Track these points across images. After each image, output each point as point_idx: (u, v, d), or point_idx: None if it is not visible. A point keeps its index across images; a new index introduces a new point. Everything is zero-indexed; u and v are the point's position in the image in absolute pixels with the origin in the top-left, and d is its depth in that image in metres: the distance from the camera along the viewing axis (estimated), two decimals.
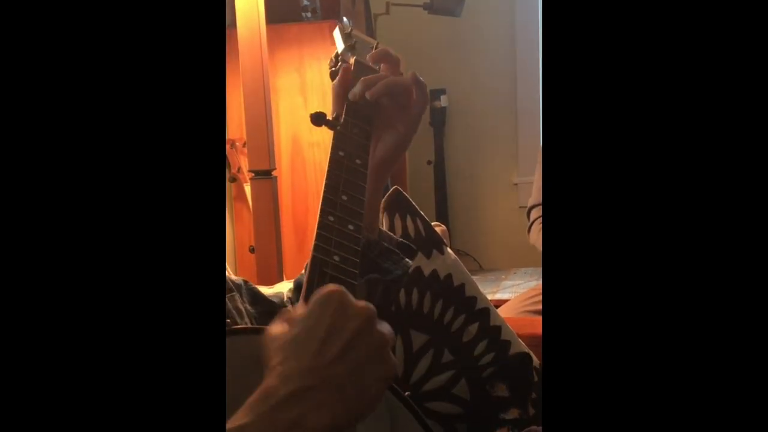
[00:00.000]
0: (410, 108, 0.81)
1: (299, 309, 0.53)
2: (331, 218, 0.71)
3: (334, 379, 0.49)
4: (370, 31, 2.57)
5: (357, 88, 0.81)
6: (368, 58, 0.86)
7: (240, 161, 1.88)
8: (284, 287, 0.95)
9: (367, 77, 0.83)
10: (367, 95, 0.80)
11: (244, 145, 1.77)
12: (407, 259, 0.85)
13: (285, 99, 1.94)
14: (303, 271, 0.89)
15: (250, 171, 1.60)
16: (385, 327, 0.53)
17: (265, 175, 1.57)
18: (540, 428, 0.90)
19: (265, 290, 0.93)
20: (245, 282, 0.91)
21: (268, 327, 0.54)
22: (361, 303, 0.52)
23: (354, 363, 0.50)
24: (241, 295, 0.88)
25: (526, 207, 1.89)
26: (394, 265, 0.83)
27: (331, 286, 0.53)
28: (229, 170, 1.91)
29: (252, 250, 1.71)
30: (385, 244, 0.84)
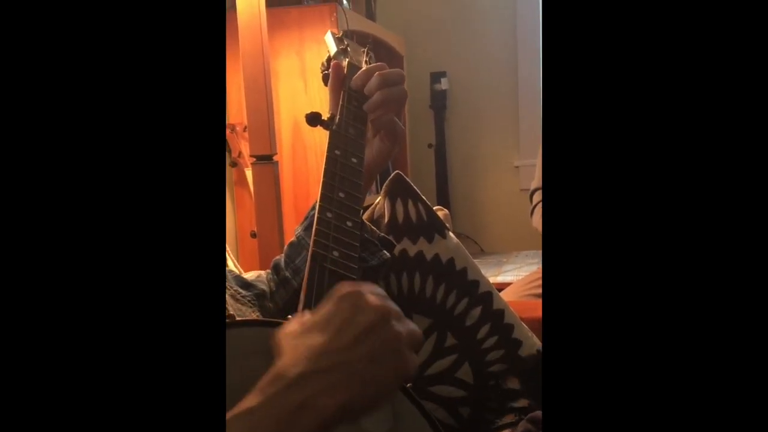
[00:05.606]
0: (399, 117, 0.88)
1: (314, 310, 0.54)
2: (329, 215, 0.73)
3: (346, 365, 0.49)
4: (370, 14, 2.55)
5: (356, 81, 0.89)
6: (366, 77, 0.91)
7: (241, 146, 1.87)
8: (260, 272, 0.98)
9: (362, 71, 0.88)
10: (365, 91, 0.87)
11: (244, 129, 1.76)
12: (385, 251, 0.90)
13: (285, 83, 1.93)
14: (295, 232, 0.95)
15: (251, 156, 1.59)
16: (406, 326, 0.53)
17: (266, 159, 1.56)
18: (541, 413, 0.91)
19: (246, 276, 0.97)
20: (227, 270, 0.93)
21: (281, 326, 0.54)
22: (377, 301, 0.52)
23: (367, 353, 0.50)
24: (227, 282, 0.90)
25: (527, 190, 1.88)
26: (371, 255, 0.88)
27: (348, 287, 0.53)
28: (230, 155, 1.91)
29: (253, 235, 1.71)
30: (366, 235, 0.88)
